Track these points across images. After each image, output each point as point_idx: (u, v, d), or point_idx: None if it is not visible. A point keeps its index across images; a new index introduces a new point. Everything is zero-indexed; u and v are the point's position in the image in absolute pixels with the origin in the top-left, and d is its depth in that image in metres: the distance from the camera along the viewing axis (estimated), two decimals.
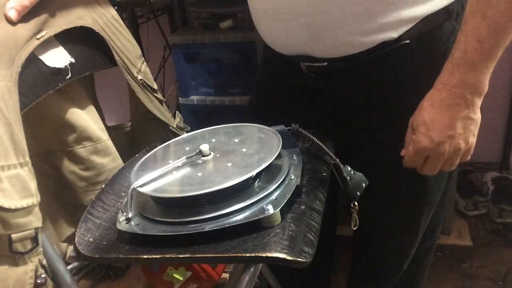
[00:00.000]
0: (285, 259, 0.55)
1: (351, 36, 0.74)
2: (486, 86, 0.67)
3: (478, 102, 0.68)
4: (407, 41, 0.74)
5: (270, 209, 0.60)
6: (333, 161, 0.72)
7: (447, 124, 0.68)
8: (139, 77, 0.86)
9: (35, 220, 0.61)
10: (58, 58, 0.74)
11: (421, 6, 0.72)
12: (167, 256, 0.59)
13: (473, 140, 0.71)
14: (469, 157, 0.74)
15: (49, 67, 0.72)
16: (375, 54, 0.74)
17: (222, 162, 0.68)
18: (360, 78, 0.79)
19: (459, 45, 0.66)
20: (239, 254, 0.57)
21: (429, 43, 0.76)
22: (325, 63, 0.78)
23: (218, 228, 0.59)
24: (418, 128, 0.71)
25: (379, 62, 0.76)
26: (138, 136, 0.96)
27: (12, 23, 0.65)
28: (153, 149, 0.77)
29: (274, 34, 0.83)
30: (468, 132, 0.70)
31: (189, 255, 0.58)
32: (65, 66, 0.75)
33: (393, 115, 0.81)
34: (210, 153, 0.70)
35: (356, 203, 0.74)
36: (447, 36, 0.76)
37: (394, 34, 0.73)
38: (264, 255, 0.56)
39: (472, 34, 0.64)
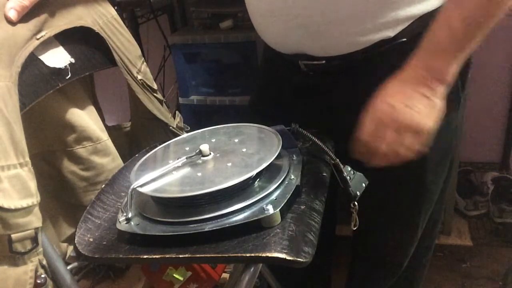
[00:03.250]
0: (285, 259, 0.55)
1: (347, 36, 0.74)
2: (451, 76, 0.66)
3: (440, 89, 0.67)
4: (404, 40, 0.74)
5: (270, 209, 0.60)
6: (333, 161, 0.72)
7: (407, 94, 0.67)
8: (139, 77, 0.86)
9: (35, 220, 0.61)
10: (58, 58, 0.74)
11: (418, 6, 0.72)
12: (167, 256, 0.59)
13: (429, 124, 0.68)
14: (422, 145, 0.69)
15: (49, 67, 0.72)
16: (372, 53, 0.75)
17: (222, 162, 0.68)
18: (358, 76, 0.80)
19: (431, 31, 0.66)
20: (239, 254, 0.57)
21: None
22: (323, 61, 0.79)
23: (218, 228, 0.59)
24: (378, 98, 0.70)
25: (376, 60, 0.77)
26: (138, 136, 0.96)
27: (12, 23, 0.65)
28: (153, 149, 0.77)
29: (272, 34, 0.83)
30: (425, 111, 0.67)
31: (189, 255, 0.58)
32: (65, 66, 0.75)
33: None
34: (210, 153, 0.70)
35: (356, 203, 0.74)
36: None
37: (390, 33, 0.73)
38: (264, 255, 0.56)
39: (444, 21, 0.65)
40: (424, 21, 0.74)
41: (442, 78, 0.66)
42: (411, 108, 0.67)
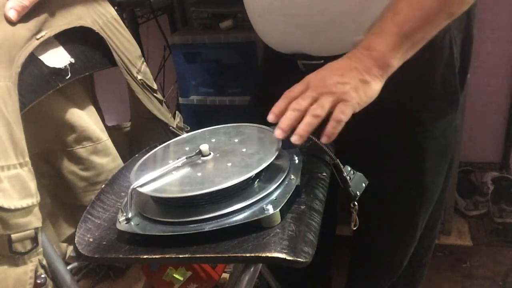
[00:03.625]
0: (285, 259, 0.55)
1: (346, 35, 0.74)
2: (391, 62, 0.66)
3: (376, 72, 0.66)
4: None
5: (270, 209, 0.60)
6: (333, 161, 0.72)
7: (340, 65, 0.67)
8: (139, 77, 0.86)
9: (35, 220, 0.61)
10: (58, 58, 0.74)
11: None
12: (167, 256, 0.59)
13: (354, 96, 0.65)
14: (344, 116, 0.65)
15: (49, 67, 0.72)
16: None
17: (222, 162, 0.68)
18: None
19: (380, 16, 0.67)
20: (239, 254, 0.57)
21: None
22: (322, 61, 0.78)
23: (218, 228, 0.59)
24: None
25: None
26: (138, 136, 0.96)
27: (12, 23, 0.65)
28: (153, 149, 0.77)
29: (270, 34, 0.83)
30: (354, 84, 0.65)
31: (189, 255, 0.58)
32: (65, 66, 0.75)
33: (389, 114, 0.82)
34: (210, 153, 0.70)
35: (356, 203, 0.74)
36: (443, 34, 0.76)
37: None
38: (264, 255, 0.56)
39: (392, 6, 0.66)
40: None
41: (382, 63, 0.66)
42: (340, 77, 0.66)
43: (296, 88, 0.67)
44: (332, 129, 0.64)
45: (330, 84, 0.65)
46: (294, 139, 0.64)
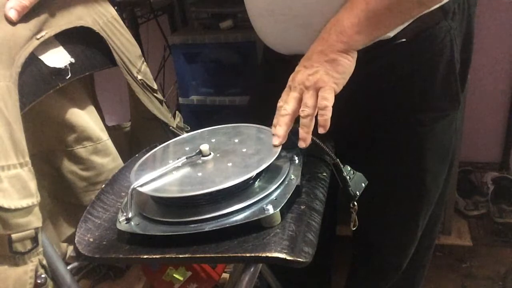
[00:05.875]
0: (285, 259, 0.55)
1: None
2: (354, 36, 0.67)
3: (340, 47, 0.67)
4: (403, 40, 0.74)
5: (270, 209, 0.60)
6: (333, 161, 0.72)
7: (308, 57, 0.69)
8: (139, 77, 0.86)
9: (35, 220, 0.61)
10: (58, 58, 0.74)
11: None
12: (167, 256, 0.59)
13: (330, 81, 0.67)
14: (326, 99, 0.66)
15: (49, 67, 0.72)
16: (371, 53, 0.75)
17: (222, 162, 0.68)
18: (357, 77, 0.80)
19: None
20: (239, 254, 0.57)
21: (425, 41, 0.76)
22: None
23: (218, 228, 0.59)
24: None
25: (376, 60, 0.77)
26: (138, 136, 0.96)
27: (12, 23, 0.65)
28: (153, 149, 0.77)
29: (271, 34, 0.83)
30: (323, 70, 0.67)
31: (189, 255, 0.58)
32: (65, 66, 0.75)
33: (389, 114, 0.82)
34: (210, 153, 0.70)
35: (355, 203, 0.74)
36: (443, 34, 0.76)
37: (390, 33, 0.73)
38: (264, 255, 0.56)
39: None
40: (423, 22, 0.74)
41: (343, 33, 0.67)
42: (309, 68, 0.68)
43: (282, 96, 0.71)
44: (322, 117, 0.66)
45: (303, 79, 0.68)
46: (301, 144, 0.68)
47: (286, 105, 0.69)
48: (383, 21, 0.68)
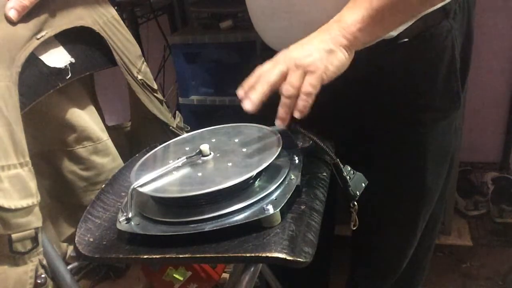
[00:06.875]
0: (285, 259, 0.55)
1: None
2: (357, 34, 0.66)
3: (342, 42, 0.66)
4: (405, 40, 0.74)
5: (270, 209, 0.60)
6: (333, 161, 0.72)
7: (308, 39, 0.68)
8: (139, 77, 0.86)
9: (35, 220, 0.61)
10: (58, 58, 0.74)
11: None
12: (167, 256, 0.59)
13: (320, 67, 0.65)
14: (312, 85, 0.64)
15: (49, 67, 0.72)
16: (373, 53, 0.75)
17: (222, 162, 0.68)
18: (359, 77, 0.79)
19: None
20: (239, 254, 0.57)
21: (426, 41, 0.76)
22: None
23: (218, 228, 0.59)
24: None
25: (378, 60, 0.77)
26: (138, 136, 0.96)
27: (12, 23, 0.65)
28: (153, 149, 0.77)
29: (272, 32, 0.83)
30: (319, 56, 0.65)
31: (189, 255, 0.58)
32: (65, 66, 0.75)
33: (390, 114, 0.81)
34: (210, 153, 0.70)
35: (355, 203, 0.74)
36: (445, 34, 0.76)
37: (393, 33, 0.73)
38: (264, 255, 0.56)
39: None
40: (424, 22, 0.74)
41: (346, 30, 0.66)
42: (306, 50, 0.66)
43: (266, 64, 0.68)
44: (303, 103, 0.64)
45: (295, 57, 0.66)
46: (278, 123, 0.66)
47: (270, 73, 0.66)
48: (387, 19, 0.67)
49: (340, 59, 0.67)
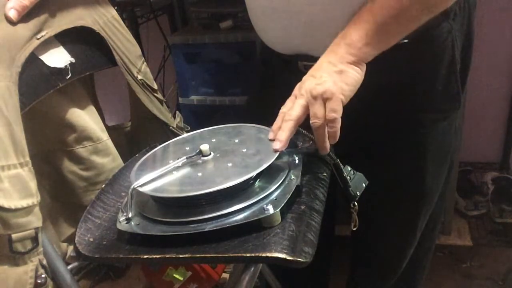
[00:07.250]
0: (285, 259, 0.55)
1: None
2: (363, 49, 0.67)
3: (350, 59, 0.67)
4: (405, 41, 0.74)
5: (270, 209, 0.60)
6: (333, 161, 0.72)
7: (317, 66, 0.69)
8: (139, 77, 0.86)
9: (35, 220, 0.61)
10: (58, 58, 0.74)
11: None
12: (167, 256, 0.59)
13: (338, 92, 0.66)
14: (335, 111, 0.66)
15: (49, 67, 0.72)
16: None
17: (222, 162, 0.68)
18: None
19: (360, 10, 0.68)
20: (239, 254, 0.57)
21: (426, 42, 0.76)
22: None
23: (218, 228, 0.59)
24: None
25: (377, 61, 0.76)
26: (138, 136, 0.96)
27: (12, 23, 0.65)
28: (153, 149, 0.77)
29: (272, 33, 0.83)
30: (331, 79, 0.67)
31: (189, 255, 0.58)
32: (65, 66, 0.75)
33: (390, 114, 0.81)
34: (210, 153, 0.70)
35: (356, 203, 0.74)
36: (445, 35, 0.77)
37: None
38: (264, 255, 0.56)
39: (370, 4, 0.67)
40: (425, 23, 0.74)
41: (352, 46, 0.67)
42: (318, 78, 0.67)
43: (286, 103, 0.70)
44: (332, 130, 0.66)
45: (309, 88, 0.67)
46: (322, 152, 0.69)
47: (292, 111, 0.68)
48: (391, 31, 0.68)
49: (352, 76, 0.68)
